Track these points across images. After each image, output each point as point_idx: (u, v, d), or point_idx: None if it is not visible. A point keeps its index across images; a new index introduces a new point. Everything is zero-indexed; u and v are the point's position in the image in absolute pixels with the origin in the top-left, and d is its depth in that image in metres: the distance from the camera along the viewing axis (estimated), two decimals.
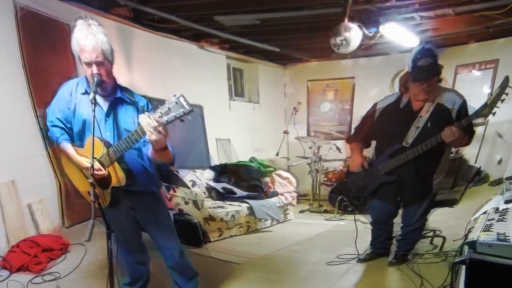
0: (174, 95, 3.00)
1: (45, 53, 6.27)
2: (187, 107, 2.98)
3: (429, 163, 4.88)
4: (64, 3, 6.44)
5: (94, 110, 3.19)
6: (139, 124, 3.22)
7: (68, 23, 6.29)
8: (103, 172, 3.48)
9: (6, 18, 5.71)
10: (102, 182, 3.55)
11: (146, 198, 3.97)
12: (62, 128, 3.75)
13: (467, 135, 4.62)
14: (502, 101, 4.23)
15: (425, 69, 4.56)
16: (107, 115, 3.64)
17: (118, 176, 3.53)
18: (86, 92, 3.64)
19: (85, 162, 3.49)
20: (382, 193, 5.27)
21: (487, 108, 4.31)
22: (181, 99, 2.99)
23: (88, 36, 3.34)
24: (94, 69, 3.40)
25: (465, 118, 4.45)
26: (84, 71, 3.52)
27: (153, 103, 3.75)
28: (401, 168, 4.96)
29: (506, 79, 4.24)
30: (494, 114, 4.33)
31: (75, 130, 3.74)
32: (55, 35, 6.40)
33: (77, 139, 3.74)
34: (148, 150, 3.65)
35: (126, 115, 3.72)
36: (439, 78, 4.79)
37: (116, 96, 3.66)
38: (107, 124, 3.64)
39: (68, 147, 3.68)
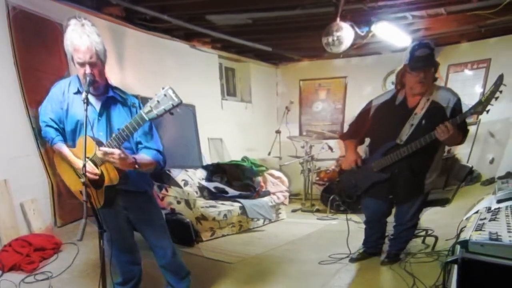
0: (163, 88, 3.04)
1: (37, 53, 6.25)
2: (176, 99, 3.01)
3: (422, 161, 4.90)
4: (56, 3, 6.41)
5: (86, 110, 3.18)
6: (130, 121, 3.24)
7: (61, 23, 6.27)
8: (96, 172, 3.46)
9: None
10: (95, 181, 3.53)
11: (139, 197, 3.99)
12: (56, 129, 3.74)
13: (461, 133, 4.63)
14: (496, 98, 4.24)
15: (422, 59, 4.62)
16: (100, 114, 3.63)
17: (110, 175, 3.51)
18: (78, 92, 3.63)
19: (80, 163, 3.43)
20: (375, 191, 5.28)
21: (481, 106, 4.33)
22: (170, 92, 3.02)
23: (82, 36, 3.34)
24: (87, 69, 3.40)
25: (459, 115, 4.46)
26: (77, 70, 3.51)
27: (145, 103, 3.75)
28: (395, 165, 4.97)
29: (501, 77, 4.25)
30: (488, 111, 4.34)
31: (68, 130, 3.72)
32: (48, 34, 6.38)
33: (69, 138, 3.73)
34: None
35: (119, 114, 3.73)
36: (435, 76, 4.82)
37: (108, 95, 3.66)
38: (100, 124, 3.63)
39: (63, 147, 3.67)
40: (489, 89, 4.30)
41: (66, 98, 3.68)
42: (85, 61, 3.38)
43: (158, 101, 3.04)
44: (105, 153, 3.26)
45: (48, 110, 3.76)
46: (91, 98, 3.52)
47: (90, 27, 3.40)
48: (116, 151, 3.27)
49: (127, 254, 4.24)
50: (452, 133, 4.38)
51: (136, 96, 3.92)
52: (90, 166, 3.40)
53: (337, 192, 8.07)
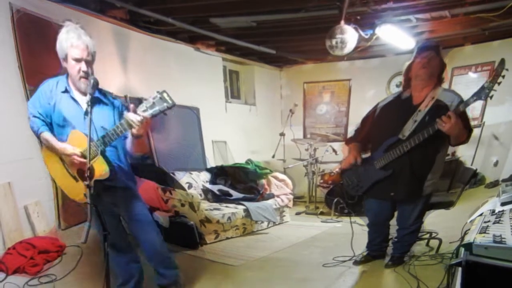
0: (158, 91, 3.29)
1: (41, 55, 6.25)
2: (170, 101, 3.28)
3: (424, 160, 4.90)
4: (60, 6, 6.42)
5: (90, 113, 3.39)
6: (124, 117, 3.48)
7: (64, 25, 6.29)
8: (84, 160, 3.55)
9: (2, 20, 5.69)
10: (83, 175, 3.58)
11: (126, 194, 4.13)
12: (43, 120, 3.91)
13: (466, 130, 4.64)
14: (499, 83, 4.27)
15: (428, 45, 4.93)
16: (86, 113, 3.70)
17: (101, 169, 3.66)
18: (66, 91, 3.84)
19: (70, 149, 3.67)
20: (377, 190, 5.27)
21: (484, 91, 4.36)
22: (165, 95, 3.28)
23: (81, 35, 3.67)
24: (83, 66, 3.68)
25: (462, 104, 4.54)
26: (70, 67, 3.76)
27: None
28: (396, 162, 4.96)
29: (502, 61, 4.28)
30: (491, 97, 4.38)
31: (54, 125, 3.91)
32: (51, 37, 6.34)
33: (57, 133, 3.90)
34: (127, 144, 3.89)
35: (102, 112, 3.89)
36: (442, 77, 4.86)
37: (94, 95, 3.74)
38: (86, 122, 3.70)
39: (49, 136, 3.85)
40: (491, 75, 4.35)
41: (54, 95, 3.87)
42: (82, 57, 3.66)
43: (153, 102, 3.32)
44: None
45: (36, 104, 3.93)
46: (79, 97, 3.82)
47: (84, 29, 3.75)
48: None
49: (122, 254, 4.32)
50: (455, 123, 4.37)
51: (137, 98, 4.05)
52: (80, 159, 3.63)
53: (340, 195, 8.09)
